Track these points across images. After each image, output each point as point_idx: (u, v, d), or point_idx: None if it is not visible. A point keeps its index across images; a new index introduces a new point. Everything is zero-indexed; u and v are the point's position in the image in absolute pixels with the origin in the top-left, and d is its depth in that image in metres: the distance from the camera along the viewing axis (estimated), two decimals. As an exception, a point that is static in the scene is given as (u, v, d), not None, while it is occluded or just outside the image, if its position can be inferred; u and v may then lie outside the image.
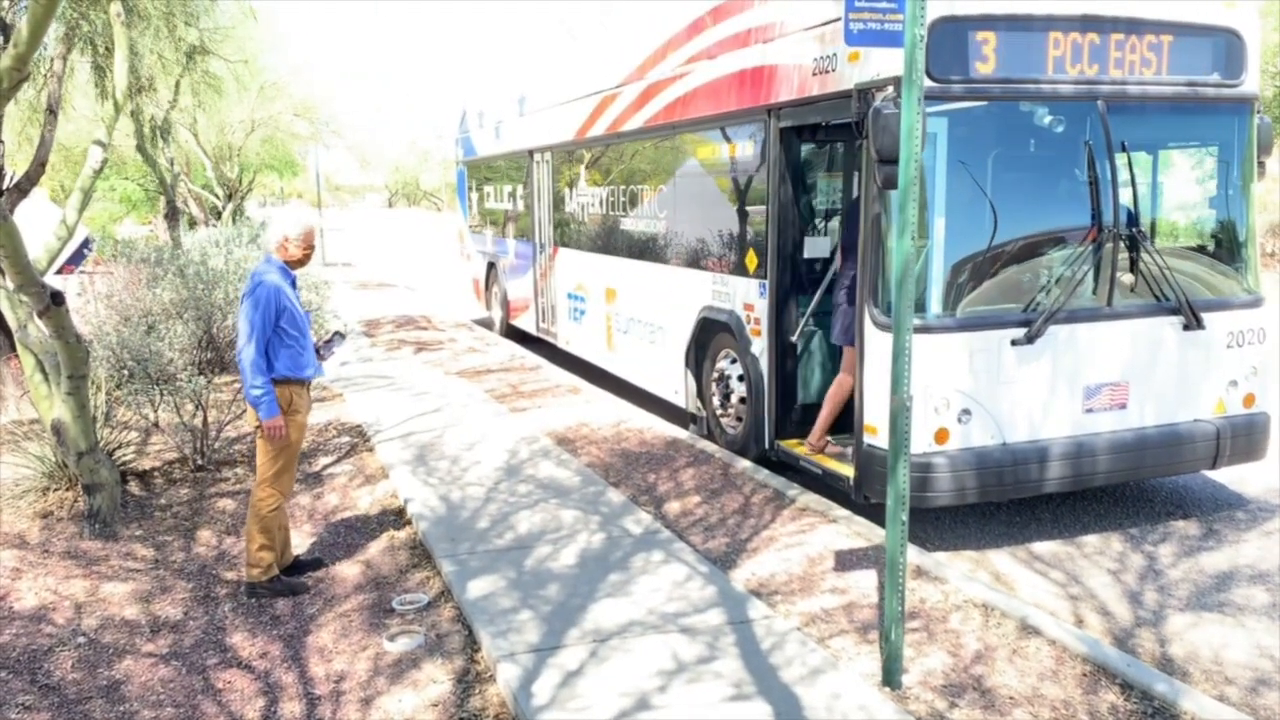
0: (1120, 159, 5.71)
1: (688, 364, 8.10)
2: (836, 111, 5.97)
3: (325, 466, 7.36)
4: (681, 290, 8.10)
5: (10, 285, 6.33)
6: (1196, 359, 6.04)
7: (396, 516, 6.25)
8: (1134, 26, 5.74)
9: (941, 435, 5.54)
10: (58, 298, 5.66)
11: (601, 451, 7.60)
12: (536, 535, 5.71)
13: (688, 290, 7.98)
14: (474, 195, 15.38)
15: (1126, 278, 5.85)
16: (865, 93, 5.46)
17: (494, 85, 14.80)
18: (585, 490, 6.55)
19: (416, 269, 26.92)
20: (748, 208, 7.13)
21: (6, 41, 9.73)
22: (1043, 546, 5.89)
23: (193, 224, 23.23)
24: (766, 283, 6.78)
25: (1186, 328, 5.95)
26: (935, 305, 5.59)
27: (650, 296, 8.78)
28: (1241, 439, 6.11)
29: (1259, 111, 6.20)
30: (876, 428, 5.67)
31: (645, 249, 8.87)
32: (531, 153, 12.05)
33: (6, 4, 9.58)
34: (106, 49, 11.21)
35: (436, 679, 4.18)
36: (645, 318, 8.92)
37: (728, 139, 7.32)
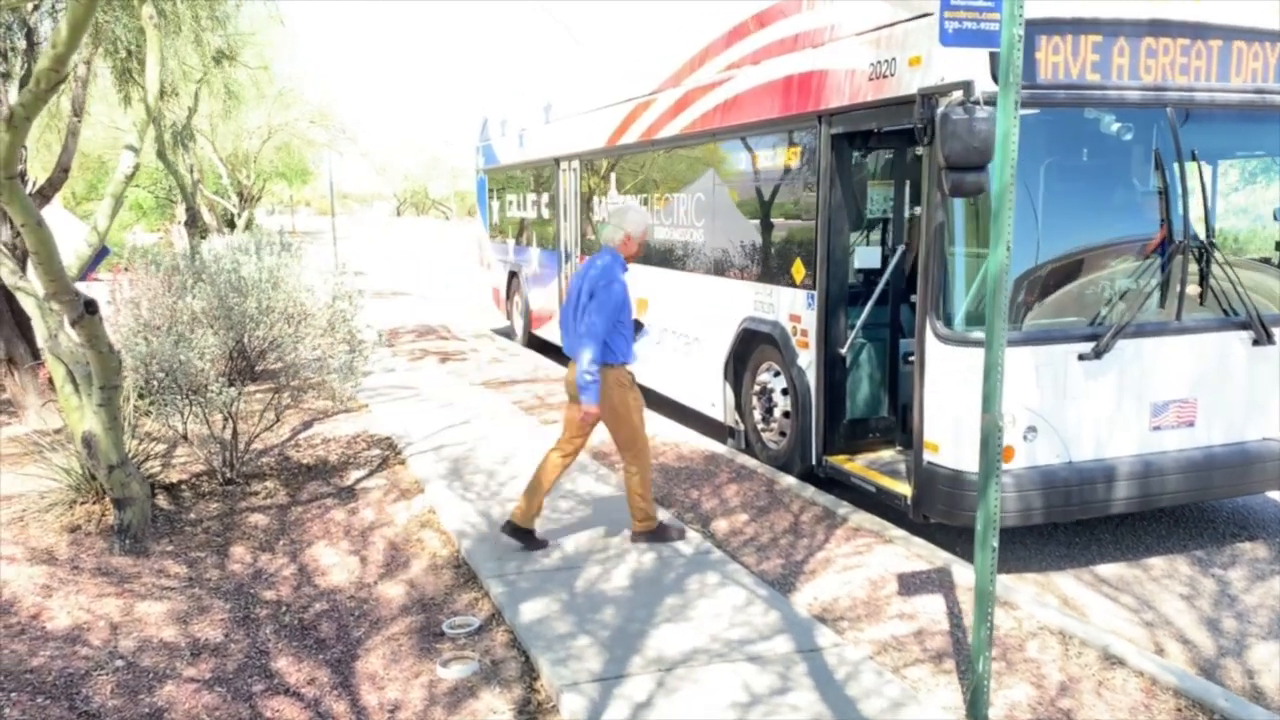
0: (1189, 168, 5.52)
1: (726, 376, 7.91)
2: (894, 117, 5.78)
3: (358, 480, 7.17)
4: (720, 301, 7.92)
5: (42, 293, 6.17)
6: (1266, 375, 5.83)
7: (436, 533, 6.06)
8: (1202, 32, 5.55)
9: (1007, 453, 5.33)
10: (91, 306, 5.49)
11: (639, 466, 7.39)
12: (584, 554, 5.51)
13: (727, 301, 7.79)
14: (495, 203, 15.23)
15: (1194, 290, 5.66)
16: (929, 98, 5.27)
17: (505, 91, 14.70)
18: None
19: (429, 278, 26.79)
20: (794, 216, 6.95)
21: (30, 44, 9.61)
22: (1107, 569, 5.68)
23: (205, 232, 23.11)
24: (815, 293, 6.59)
25: (1256, 342, 5.75)
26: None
27: (686, 307, 8.60)
28: (1312, 458, 5.90)
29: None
30: (938, 445, 5.47)
31: (681, 258, 8.68)
32: (557, 160, 11.89)
33: (30, 7, 9.46)
34: (129, 53, 11.09)
35: (496, 709, 3.98)
36: (680, 329, 8.74)
37: (774, 146, 7.14)
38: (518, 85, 13.46)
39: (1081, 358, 5.40)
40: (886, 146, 6.58)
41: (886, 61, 5.76)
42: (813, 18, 6.57)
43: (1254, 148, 6.14)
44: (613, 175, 10.29)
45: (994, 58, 5.11)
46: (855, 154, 6.49)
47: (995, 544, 3.67)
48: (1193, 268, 5.60)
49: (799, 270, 6.82)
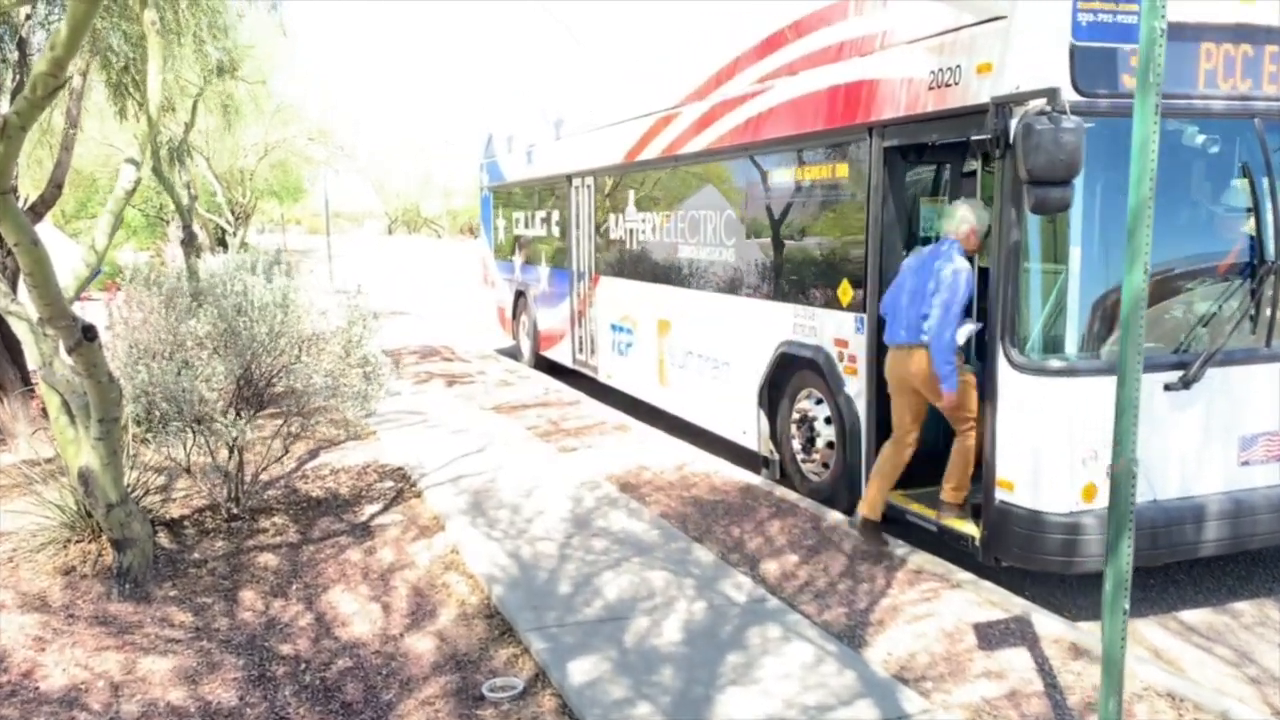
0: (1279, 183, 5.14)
1: (761, 403, 7.47)
2: (958, 128, 5.39)
3: (373, 516, 6.70)
4: (755, 323, 7.49)
5: (34, 316, 5.72)
6: (1357, 405, 5.43)
7: (463, 577, 5.59)
8: (1290, 38, 5.18)
9: (1089, 491, 4.92)
10: (90, 332, 5.03)
11: (671, 499, 6.96)
12: (629, 604, 5.06)
13: (763, 323, 7.37)
14: (500, 221, 14.81)
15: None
16: (1003, 107, 4.89)
17: (505, 93, 14.40)
18: (668, 547, 5.91)
19: (425, 297, 26.30)
20: (840, 234, 6.53)
21: (22, 55, 9.18)
22: (1192, 615, 5.26)
23: (199, 251, 22.60)
24: (865, 316, 6.18)
25: (1346, 370, 5.35)
26: (1079, 345, 5.00)
27: (715, 329, 8.17)
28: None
29: None
30: (1012, 482, 5.05)
31: (709, 278, 8.26)
32: (570, 177, 11.48)
33: (23, 17, 9.04)
34: (125, 66, 10.66)
35: (553, 792, 3.53)
36: (708, 352, 8.30)
37: (816, 160, 6.73)
38: (518, 86, 13.11)
39: (1168, 388, 5.00)
40: (939, 160, 6.19)
41: (950, 69, 5.36)
42: (861, 24, 6.18)
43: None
44: (631, 192, 9.88)
45: (1076, 60, 4.73)
46: (910, 167, 6.09)
47: (1127, 606, 3.24)
48: (1282, 290, 5.21)
49: (845, 292, 6.40)
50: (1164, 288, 5.20)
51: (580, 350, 11.66)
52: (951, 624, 4.82)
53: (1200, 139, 5.16)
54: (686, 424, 9.01)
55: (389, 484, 7.48)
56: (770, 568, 5.63)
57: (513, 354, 14.59)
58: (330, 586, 5.54)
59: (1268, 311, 5.17)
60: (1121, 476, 3.18)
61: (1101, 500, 4.93)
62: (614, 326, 10.46)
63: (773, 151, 7.22)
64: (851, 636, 4.70)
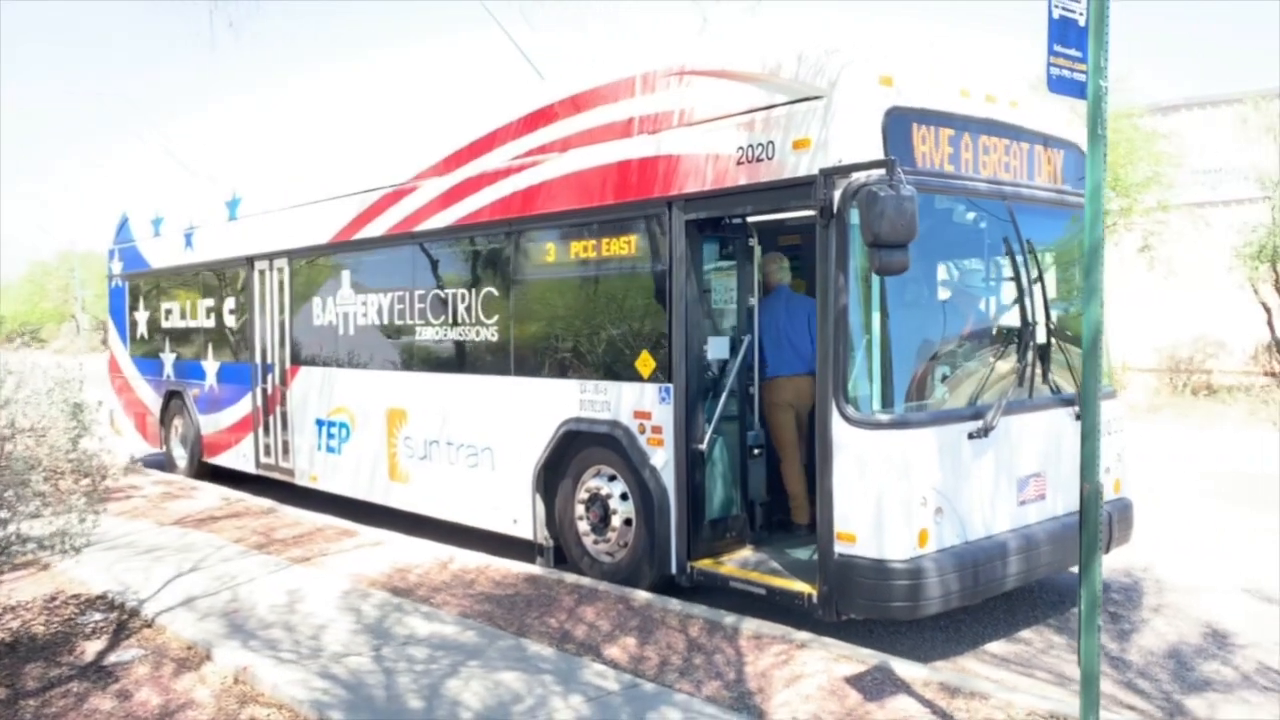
0: (1030, 257, 5.92)
1: (536, 488, 7.12)
2: (772, 201, 5.66)
3: (102, 654, 5.37)
4: (528, 404, 7.17)
5: None
6: (1086, 447, 6.33)
7: (273, 709, 4.62)
8: (1019, 134, 6.08)
9: (923, 536, 5.21)
10: None
11: (460, 598, 6.34)
12: (500, 710, 4.46)
13: (539, 403, 7.07)
14: (142, 314, 13.00)
15: (1038, 370, 6.01)
16: (830, 178, 5.20)
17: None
18: (496, 645, 5.35)
19: None
20: (638, 306, 6.48)
21: None
22: (995, 647, 5.73)
23: None
24: (671, 387, 6.15)
25: (1078, 417, 6.20)
26: (905, 398, 5.35)
27: (471, 415, 7.69)
28: (1121, 522, 6.46)
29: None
30: (854, 535, 5.21)
31: (462, 360, 7.81)
32: (252, 260, 10.42)
33: None
34: None
35: None
36: (462, 439, 7.78)
37: (606, 234, 6.63)
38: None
39: (971, 436, 5.48)
40: (729, 233, 6.40)
41: (762, 145, 5.62)
42: (654, 101, 6.30)
43: (1061, 241, 6.68)
44: (345, 273, 9.16)
45: (888, 136, 5.19)
46: (711, 240, 6.24)
47: (1100, 624, 3.42)
48: (1038, 349, 5.96)
49: (646, 363, 6.35)
50: (960, 346, 5.76)
51: (267, 453, 10.45)
52: (827, 682, 4.80)
53: (973, 216, 5.86)
54: (422, 520, 8.35)
55: (99, 616, 6.07)
56: (615, 653, 5.28)
57: (160, 464, 12.71)
58: (89, 746, 4.32)
59: (1029, 367, 5.88)
60: (1090, 498, 3.40)
61: (931, 545, 5.26)
62: (320, 422, 9.50)
63: (550, 226, 7.04)
64: (747, 708, 4.51)
